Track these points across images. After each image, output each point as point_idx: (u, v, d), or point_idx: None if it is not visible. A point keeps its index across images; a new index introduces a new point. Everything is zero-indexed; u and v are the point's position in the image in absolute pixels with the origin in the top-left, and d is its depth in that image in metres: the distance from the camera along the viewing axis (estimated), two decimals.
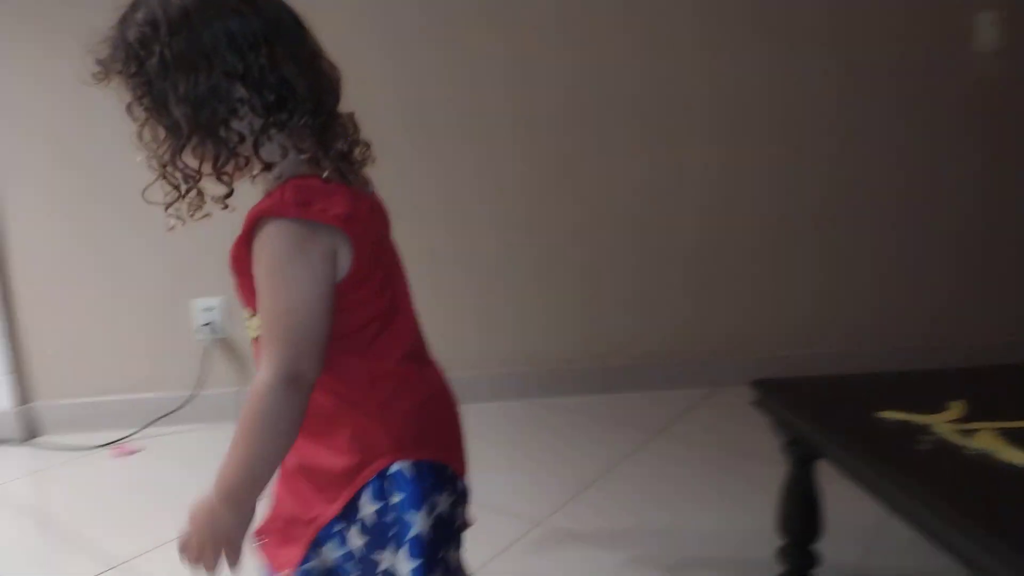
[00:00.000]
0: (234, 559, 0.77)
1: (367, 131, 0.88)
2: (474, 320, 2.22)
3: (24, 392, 2.09)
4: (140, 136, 0.79)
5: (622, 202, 2.21)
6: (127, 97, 0.77)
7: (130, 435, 2.05)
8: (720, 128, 2.18)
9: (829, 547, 1.17)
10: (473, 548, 1.44)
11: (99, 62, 0.78)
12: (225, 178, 0.80)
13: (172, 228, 0.82)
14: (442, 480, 0.86)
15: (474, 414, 2.20)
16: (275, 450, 0.76)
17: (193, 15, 0.75)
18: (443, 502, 0.85)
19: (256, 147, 0.77)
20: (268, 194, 0.79)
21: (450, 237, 2.16)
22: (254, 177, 0.81)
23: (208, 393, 2.12)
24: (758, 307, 2.30)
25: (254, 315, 0.81)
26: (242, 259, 0.78)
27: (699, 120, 2.17)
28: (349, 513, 0.84)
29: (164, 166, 0.78)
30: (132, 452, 1.96)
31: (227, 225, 0.83)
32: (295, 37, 0.79)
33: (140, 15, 0.76)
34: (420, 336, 0.91)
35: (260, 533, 0.93)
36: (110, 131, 2.00)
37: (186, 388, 2.11)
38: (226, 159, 0.77)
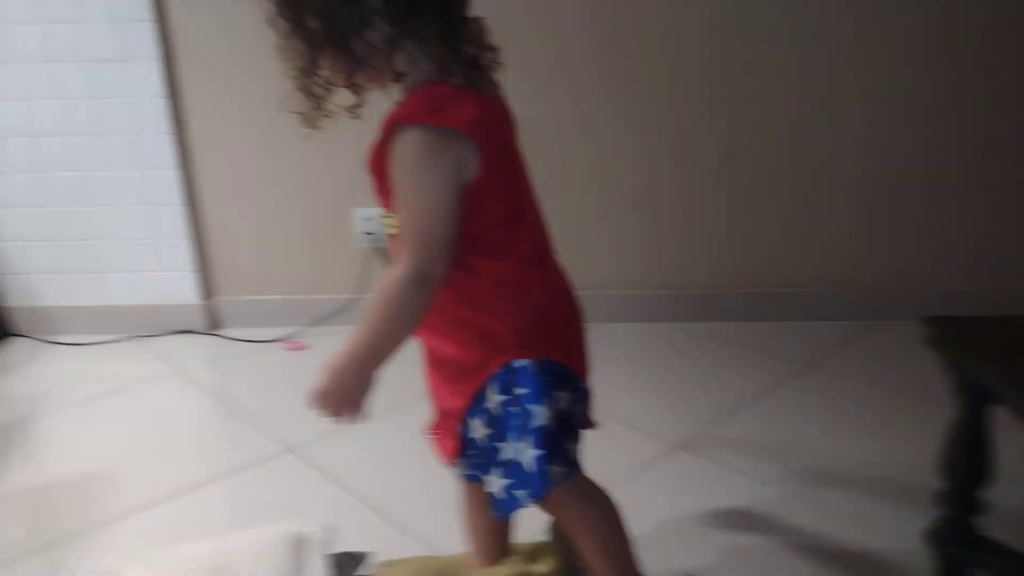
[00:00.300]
0: (354, 415, 0.86)
1: (503, 40, 0.87)
2: (609, 240, 2.19)
3: (208, 288, 2.32)
4: (282, 48, 0.83)
5: (778, 123, 2.08)
6: (271, 10, 0.81)
7: (299, 331, 2.24)
8: (879, 46, 1.98)
9: (998, 497, 1.10)
10: (609, 464, 1.48)
11: None
12: (357, 88, 0.85)
13: (308, 136, 0.87)
14: (563, 379, 0.90)
15: (614, 334, 2.24)
16: (396, 334, 0.83)
17: None
18: (564, 399, 0.90)
19: (387, 57, 0.80)
20: (400, 101, 0.82)
21: (587, 153, 2.12)
22: (386, 86, 0.84)
23: (367, 296, 2.26)
24: (926, 238, 2.12)
25: (390, 214, 0.87)
26: (379, 163, 0.83)
27: (857, 39, 1.99)
28: (476, 404, 0.90)
29: (301, 77, 0.83)
30: (301, 347, 2.15)
31: None
32: None
33: None
34: (545, 241, 0.94)
35: (429, 429, 1.01)
36: None
37: (348, 291, 2.26)
38: (358, 69, 0.81)
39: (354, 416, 0.86)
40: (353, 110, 0.86)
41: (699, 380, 1.87)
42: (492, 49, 0.85)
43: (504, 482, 0.89)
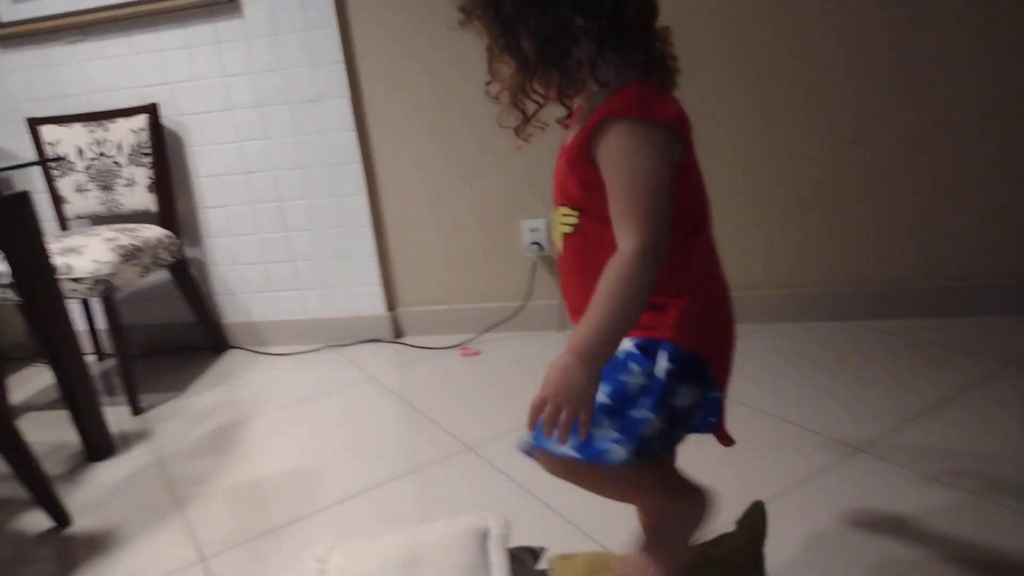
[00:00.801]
0: (586, 418, 0.78)
1: (684, 42, 0.91)
2: (792, 235, 2.12)
3: (391, 300, 2.51)
4: (495, 70, 0.90)
5: (970, 103, 1.92)
6: (486, 37, 0.88)
7: (472, 338, 2.37)
8: None
9: None
10: (786, 466, 1.44)
11: (461, 9, 0.89)
12: (567, 101, 0.91)
13: (519, 148, 0.93)
14: (700, 376, 0.90)
15: (797, 334, 2.16)
16: (631, 314, 0.81)
17: None
18: (689, 394, 0.89)
19: (593, 70, 0.85)
20: (610, 99, 0.86)
21: (765, 146, 2.07)
22: (591, 95, 0.89)
23: (535, 304, 2.35)
24: None
25: (569, 211, 0.91)
26: (581, 155, 0.87)
27: None
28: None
29: (515, 95, 0.88)
30: (475, 353, 2.27)
31: (547, 157, 0.91)
32: None
33: None
34: (714, 241, 0.96)
35: None
36: (461, 67, 2.25)
37: (517, 299, 2.36)
38: (569, 84, 0.87)
39: (587, 418, 0.78)
40: (563, 121, 0.93)
41: (886, 380, 1.76)
42: (674, 57, 0.90)
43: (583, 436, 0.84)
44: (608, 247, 0.83)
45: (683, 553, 1.01)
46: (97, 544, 1.55)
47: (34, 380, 2.56)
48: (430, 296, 2.48)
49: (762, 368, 1.88)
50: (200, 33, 2.36)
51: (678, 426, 0.91)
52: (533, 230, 2.30)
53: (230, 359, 2.55)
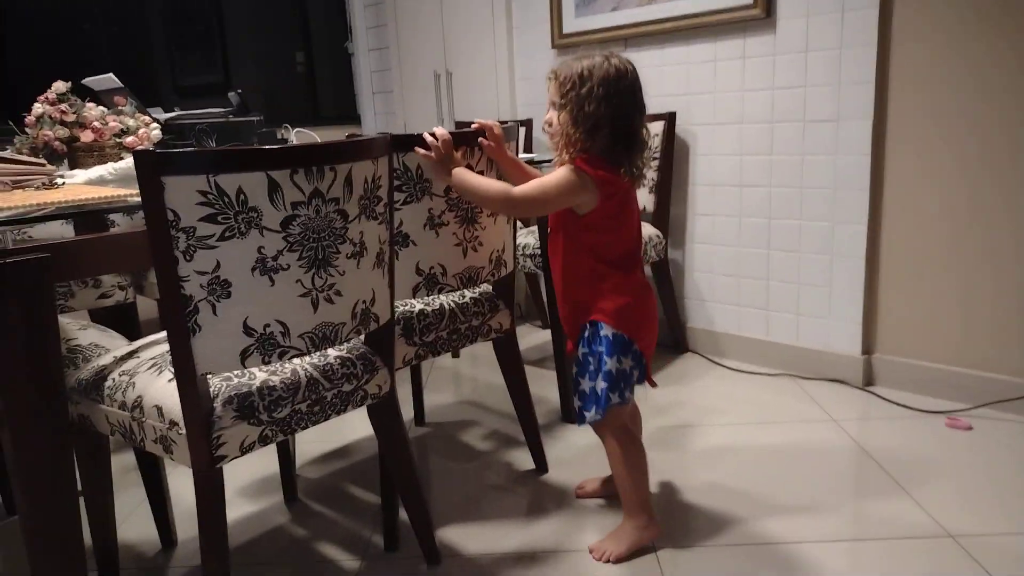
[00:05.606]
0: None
1: None
2: None
3: (868, 343, 2.31)
4: (551, 118, 1.49)
5: None
6: (557, 98, 1.47)
7: (963, 410, 2.05)
8: None
9: None
10: None
11: (554, 74, 1.47)
12: (571, 150, 1.46)
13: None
14: (628, 348, 1.46)
15: None
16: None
17: None
18: (625, 361, 1.47)
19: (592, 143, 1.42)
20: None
21: None
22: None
23: None
24: None
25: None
26: None
27: None
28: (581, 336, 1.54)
29: (562, 136, 1.45)
30: (967, 427, 1.96)
31: None
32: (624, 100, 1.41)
33: None
34: (637, 254, 1.49)
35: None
36: (1009, 103, 1.95)
37: None
38: (578, 143, 1.42)
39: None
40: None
41: None
42: (645, 157, 1.45)
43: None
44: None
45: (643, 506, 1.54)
46: (564, 497, 1.75)
47: (526, 337, 3.00)
48: (917, 349, 2.21)
49: None
50: (728, 48, 2.45)
51: (628, 381, 1.48)
52: None
53: (688, 361, 2.64)
